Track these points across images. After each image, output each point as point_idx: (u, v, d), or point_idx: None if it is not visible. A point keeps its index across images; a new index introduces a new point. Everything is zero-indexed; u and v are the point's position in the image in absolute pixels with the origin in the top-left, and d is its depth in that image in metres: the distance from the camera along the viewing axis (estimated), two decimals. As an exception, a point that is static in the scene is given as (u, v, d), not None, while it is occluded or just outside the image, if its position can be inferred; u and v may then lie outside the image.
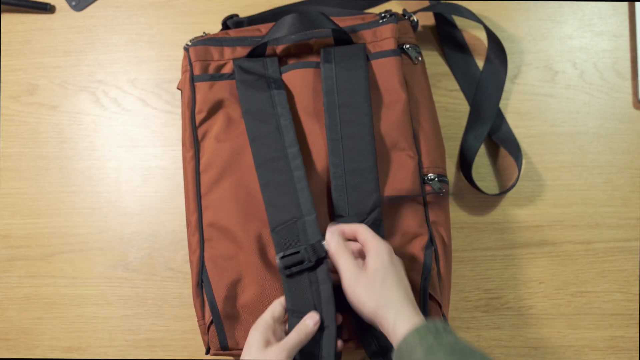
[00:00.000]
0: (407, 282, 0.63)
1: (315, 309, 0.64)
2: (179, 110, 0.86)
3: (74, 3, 0.90)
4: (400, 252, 0.69)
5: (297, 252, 0.65)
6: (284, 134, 0.70)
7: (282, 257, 0.65)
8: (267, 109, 0.72)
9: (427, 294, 0.68)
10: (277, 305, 0.65)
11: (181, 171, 0.77)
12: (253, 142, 0.70)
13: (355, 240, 0.66)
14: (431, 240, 0.70)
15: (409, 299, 0.61)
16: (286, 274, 0.65)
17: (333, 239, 0.64)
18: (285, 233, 0.67)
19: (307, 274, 0.65)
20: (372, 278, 0.61)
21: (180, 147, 0.83)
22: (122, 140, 0.86)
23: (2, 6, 0.89)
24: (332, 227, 0.66)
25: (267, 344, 0.61)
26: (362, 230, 0.65)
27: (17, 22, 0.90)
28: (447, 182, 0.74)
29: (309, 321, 0.63)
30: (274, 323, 0.64)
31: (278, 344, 0.61)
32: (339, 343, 0.65)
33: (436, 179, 0.72)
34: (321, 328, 0.64)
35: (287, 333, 0.64)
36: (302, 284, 0.65)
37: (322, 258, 0.65)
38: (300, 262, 0.65)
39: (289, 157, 0.69)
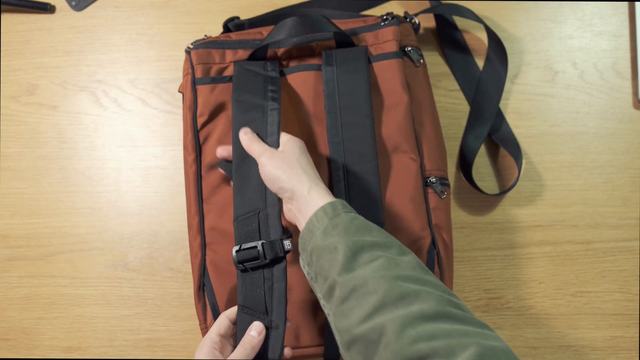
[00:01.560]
0: (309, 160, 0.65)
1: (266, 307, 0.63)
2: (179, 110, 0.86)
3: (74, 3, 0.90)
4: None
5: (254, 247, 0.63)
6: (267, 117, 0.68)
7: (238, 251, 0.63)
8: (257, 99, 0.70)
9: None
10: (223, 319, 0.63)
11: (181, 171, 0.77)
12: (234, 127, 0.69)
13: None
14: (433, 243, 0.70)
15: (319, 178, 0.63)
16: (240, 269, 0.64)
17: (246, 135, 0.67)
18: (246, 224, 0.65)
19: (262, 270, 0.63)
20: (288, 156, 0.63)
21: (180, 148, 0.83)
22: (122, 140, 0.86)
23: (2, 6, 0.89)
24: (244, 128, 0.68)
25: None
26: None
27: (17, 22, 0.90)
28: (448, 185, 0.74)
29: (253, 333, 0.61)
30: (221, 339, 0.62)
31: None
32: (287, 350, 0.63)
33: (438, 182, 0.72)
34: (269, 327, 0.62)
35: (234, 346, 0.62)
36: (255, 280, 0.63)
37: (280, 257, 0.63)
38: (255, 259, 0.63)
39: (267, 142, 0.67)
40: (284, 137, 0.66)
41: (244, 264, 0.63)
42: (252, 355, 0.60)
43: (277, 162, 0.63)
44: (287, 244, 0.63)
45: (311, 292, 0.69)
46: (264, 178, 0.64)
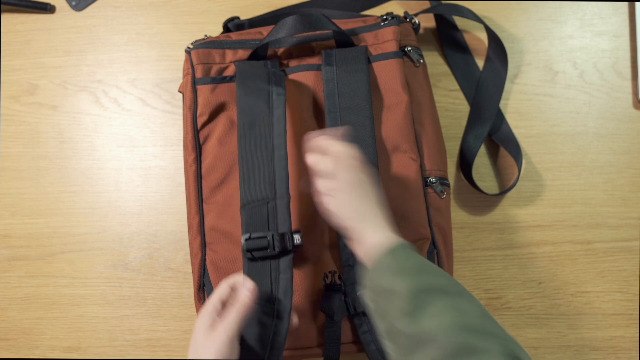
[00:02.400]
0: (379, 195, 0.62)
1: (272, 296, 0.63)
2: (179, 110, 0.86)
3: (74, 3, 0.90)
4: None
5: (264, 237, 0.64)
6: (273, 108, 0.68)
7: (247, 240, 0.64)
8: (262, 85, 0.70)
9: None
10: (225, 287, 0.62)
11: (181, 171, 0.77)
12: (241, 111, 0.68)
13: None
14: (433, 243, 0.70)
15: (380, 213, 0.61)
16: (248, 257, 0.64)
17: (310, 157, 0.64)
18: (255, 212, 0.65)
19: (269, 261, 0.64)
20: (344, 191, 0.61)
21: (180, 147, 0.83)
22: (122, 140, 0.86)
23: (2, 6, 0.89)
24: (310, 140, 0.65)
25: (212, 327, 0.58)
26: (333, 146, 0.63)
27: (17, 22, 0.90)
28: (448, 185, 0.74)
29: (244, 292, 0.61)
30: (222, 305, 0.61)
31: (221, 325, 0.59)
32: (295, 319, 0.65)
33: (438, 182, 0.72)
34: (274, 316, 0.62)
35: None
36: (263, 269, 0.64)
37: (288, 250, 0.64)
38: (265, 248, 0.63)
39: (274, 134, 0.67)
40: (342, 160, 0.62)
41: (252, 252, 0.64)
42: (247, 314, 0.60)
43: (333, 198, 0.61)
44: (297, 238, 0.64)
45: (311, 294, 0.69)
46: (321, 210, 0.63)
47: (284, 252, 0.64)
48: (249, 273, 0.64)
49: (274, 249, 0.64)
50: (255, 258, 0.64)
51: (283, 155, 0.66)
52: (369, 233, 0.59)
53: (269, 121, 0.67)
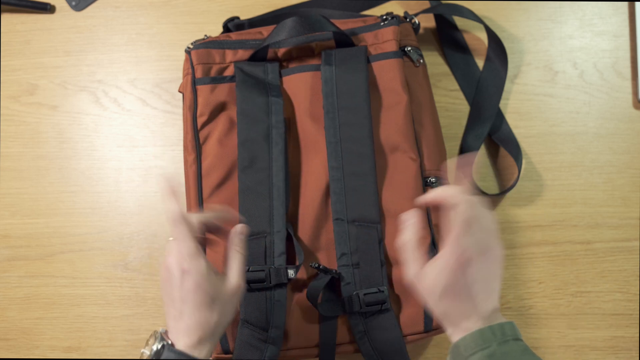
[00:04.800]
0: (489, 271, 0.55)
1: (266, 324, 0.67)
2: (179, 110, 0.86)
3: (74, 3, 0.90)
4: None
5: (261, 271, 0.67)
6: (272, 145, 0.71)
7: (246, 272, 0.66)
8: (261, 115, 0.72)
9: None
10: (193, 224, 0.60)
11: (181, 171, 0.77)
12: (242, 145, 0.71)
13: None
14: (433, 243, 0.70)
15: (473, 307, 0.54)
16: (246, 288, 0.67)
17: (405, 233, 0.59)
18: (253, 245, 0.68)
19: (264, 292, 0.68)
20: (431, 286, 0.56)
21: (180, 147, 0.83)
22: (122, 140, 0.86)
23: (2, 6, 0.89)
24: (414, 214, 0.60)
25: (218, 274, 0.59)
26: (461, 209, 0.55)
27: (17, 22, 0.90)
28: None
29: (239, 234, 0.62)
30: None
31: (234, 271, 0.60)
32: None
33: (438, 182, 0.72)
34: (267, 342, 0.66)
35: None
36: (258, 299, 0.67)
37: (283, 284, 0.68)
38: (261, 281, 0.67)
39: (273, 170, 0.70)
40: (452, 237, 0.54)
41: (250, 284, 0.67)
42: (246, 254, 0.62)
43: (421, 282, 0.56)
44: (291, 273, 0.67)
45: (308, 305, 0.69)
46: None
47: (279, 284, 0.68)
48: (246, 302, 0.67)
49: (270, 282, 0.67)
50: (253, 289, 0.68)
51: (282, 191, 0.69)
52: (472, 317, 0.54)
53: (268, 157, 0.71)
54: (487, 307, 0.54)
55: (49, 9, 0.89)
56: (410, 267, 0.57)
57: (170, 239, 0.59)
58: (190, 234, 0.57)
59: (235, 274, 0.60)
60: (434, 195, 0.58)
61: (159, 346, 0.57)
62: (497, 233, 0.56)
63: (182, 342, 0.56)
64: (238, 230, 0.62)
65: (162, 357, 0.56)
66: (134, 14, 0.89)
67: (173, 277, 0.56)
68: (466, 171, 0.58)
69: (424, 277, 0.56)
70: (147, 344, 0.59)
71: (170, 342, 0.56)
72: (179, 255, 0.56)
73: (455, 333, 0.55)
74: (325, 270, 0.67)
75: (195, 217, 0.60)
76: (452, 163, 0.82)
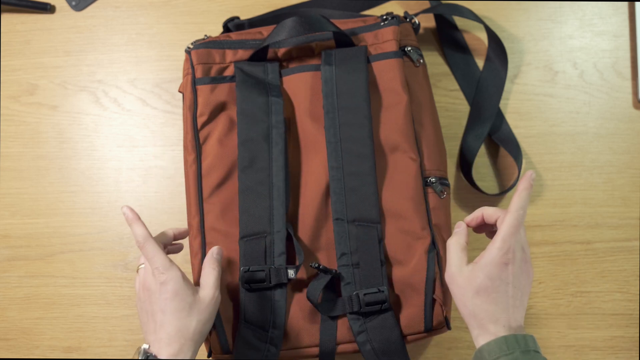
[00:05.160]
0: (517, 284, 0.58)
1: (266, 324, 0.67)
2: (179, 110, 0.86)
3: (74, 3, 0.90)
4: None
5: (261, 271, 0.68)
6: (272, 145, 0.71)
7: (245, 272, 0.67)
8: (261, 115, 0.72)
9: (431, 297, 0.68)
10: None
11: (181, 171, 0.77)
12: (242, 145, 0.71)
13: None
14: (433, 244, 0.70)
15: (503, 310, 0.57)
16: (245, 287, 0.68)
17: (454, 236, 0.63)
18: (253, 245, 0.69)
19: (264, 292, 0.68)
20: (467, 286, 0.58)
21: (180, 148, 0.83)
22: (122, 140, 0.86)
23: (2, 6, 0.89)
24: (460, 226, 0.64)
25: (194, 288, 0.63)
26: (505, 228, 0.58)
27: (17, 22, 0.90)
28: (448, 186, 0.74)
29: (211, 257, 0.66)
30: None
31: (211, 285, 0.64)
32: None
33: (438, 182, 0.72)
34: (267, 342, 0.67)
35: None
36: (258, 299, 0.68)
37: (283, 283, 0.68)
38: (261, 281, 0.67)
39: (273, 170, 0.70)
40: (486, 251, 0.58)
41: (250, 284, 0.68)
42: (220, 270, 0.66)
43: (455, 286, 0.60)
44: (291, 273, 0.68)
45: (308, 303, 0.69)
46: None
47: (279, 284, 0.68)
48: (246, 302, 0.68)
49: (270, 282, 0.68)
50: (253, 289, 0.68)
51: (282, 192, 0.70)
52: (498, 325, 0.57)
53: (268, 157, 0.71)
54: (515, 316, 0.57)
55: (49, 9, 0.89)
56: (452, 265, 0.60)
57: (142, 265, 0.63)
58: (159, 249, 0.61)
59: (210, 285, 0.63)
60: (479, 214, 0.63)
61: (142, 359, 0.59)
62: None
63: (164, 352, 0.59)
64: (215, 252, 0.66)
65: None
66: (134, 14, 0.89)
67: (151, 292, 0.61)
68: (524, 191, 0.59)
69: (463, 273, 0.59)
70: None
71: (153, 354, 0.59)
72: (155, 271, 0.60)
73: (481, 336, 0.57)
74: (325, 270, 0.67)
75: (162, 235, 0.67)
76: (452, 163, 0.83)
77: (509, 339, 0.55)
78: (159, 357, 0.58)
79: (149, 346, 0.60)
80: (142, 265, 0.63)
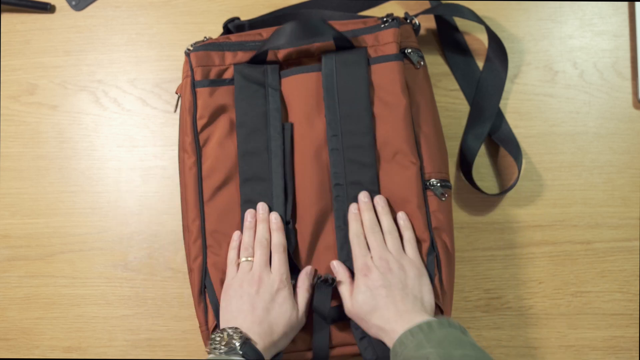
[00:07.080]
0: (404, 287, 0.65)
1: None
2: (179, 110, 0.86)
3: (74, 3, 0.90)
4: None
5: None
6: (272, 157, 0.72)
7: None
8: (260, 125, 0.72)
9: None
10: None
11: (180, 172, 0.77)
12: (241, 158, 0.72)
13: None
14: (433, 247, 0.70)
15: (404, 307, 0.63)
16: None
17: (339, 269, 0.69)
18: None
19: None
20: (358, 312, 0.66)
21: (180, 147, 0.83)
22: (122, 140, 0.86)
23: (2, 6, 0.89)
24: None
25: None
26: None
27: (17, 22, 0.90)
28: (449, 188, 0.73)
29: (305, 276, 0.70)
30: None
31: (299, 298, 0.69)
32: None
33: (439, 184, 0.72)
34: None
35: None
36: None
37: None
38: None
39: (273, 182, 0.71)
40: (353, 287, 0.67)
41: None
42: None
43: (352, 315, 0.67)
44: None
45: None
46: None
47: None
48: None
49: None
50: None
51: (282, 201, 0.71)
52: (399, 321, 0.63)
53: (268, 169, 0.72)
54: (407, 307, 0.64)
55: (49, 8, 0.89)
56: (345, 302, 0.67)
57: (249, 258, 0.69)
58: (286, 263, 0.68)
59: (303, 309, 0.67)
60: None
61: (240, 342, 0.61)
62: None
63: (259, 344, 0.62)
64: (308, 272, 0.69)
65: (242, 352, 0.61)
66: (134, 14, 0.89)
67: (263, 285, 0.66)
68: None
69: (352, 305, 0.66)
70: (213, 341, 0.62)
71: (252, 340, 0.62)
72: (276, 277, 0.66)
73: (392, 340, 0.63)
74: (327, 280, 0.67)
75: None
76: (452, 163, 0.83)
77: (413, 330, 0.60)
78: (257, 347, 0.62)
79: (240, 330, 0.62)
80: (250, 259, 0.68)
